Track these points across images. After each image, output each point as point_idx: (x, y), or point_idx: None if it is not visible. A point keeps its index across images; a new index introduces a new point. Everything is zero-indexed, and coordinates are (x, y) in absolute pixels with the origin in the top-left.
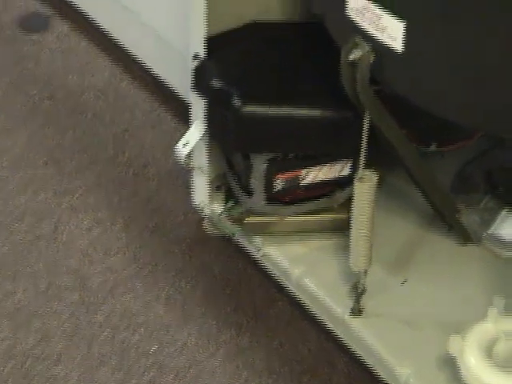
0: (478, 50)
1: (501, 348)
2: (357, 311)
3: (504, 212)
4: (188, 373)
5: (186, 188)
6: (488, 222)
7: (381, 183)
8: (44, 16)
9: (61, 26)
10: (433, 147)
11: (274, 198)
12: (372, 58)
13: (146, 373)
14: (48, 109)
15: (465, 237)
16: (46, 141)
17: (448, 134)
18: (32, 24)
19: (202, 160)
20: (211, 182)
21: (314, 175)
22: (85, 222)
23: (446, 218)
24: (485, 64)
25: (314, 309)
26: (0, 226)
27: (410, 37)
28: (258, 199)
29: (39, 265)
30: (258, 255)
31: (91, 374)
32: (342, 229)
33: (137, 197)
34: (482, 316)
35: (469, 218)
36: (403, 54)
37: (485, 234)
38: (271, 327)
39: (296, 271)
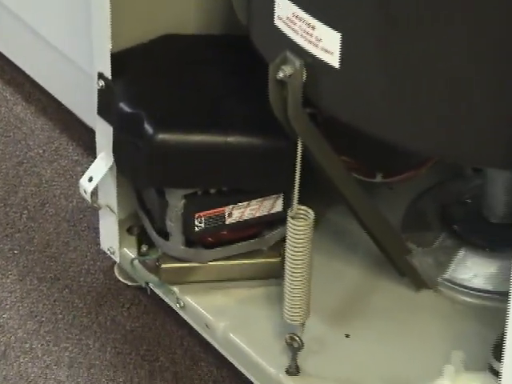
0: (429, 65)
1: None
2: (293, 370)
3: (462, 252)
4: None
5: (92, 231)
6: (444, 265)
7: (319, 221)
8: None
9: None
10: (378, 178)
11: (194, 241)
12: (305, 76)
13: None
14: None
15: (417, 282)
16: None
17: (395, 163)
18: None
19: (110, 197)
20: (121, 223)
21: (240, 213)
22: None
23: (396, 260)
24: (436, 86)
25: (243, 369)
26: None
27: (348, 50)
28: (176, 242)
29: None
30: (177, 308)
31: None
32: (273, 275)
33: (32, 243)
34: (437, 374)
35: (422, 261)
36: (341, 70)
37: (440, 279)
38: None
39: (221, 325)
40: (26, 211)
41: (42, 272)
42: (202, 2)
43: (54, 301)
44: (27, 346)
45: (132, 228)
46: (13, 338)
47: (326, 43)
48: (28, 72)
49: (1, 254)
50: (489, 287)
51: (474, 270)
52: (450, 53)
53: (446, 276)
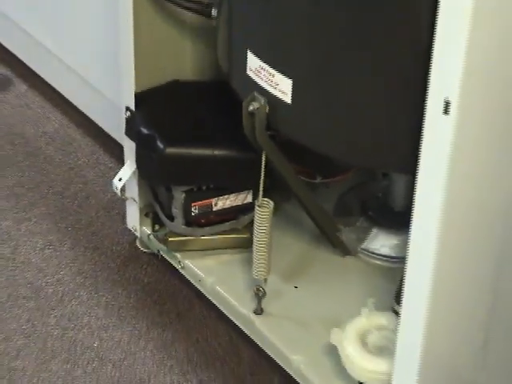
0: (348, 102)
1: (372, 338)
2: (259, 311)
3: (374, 231)
4: (123, 363)
5: (121, 215)
6: (362, 239)
7: (277, 209)
8: (6, 78)
9: (20, 86)
10: (318, 180)
11: (191, 222)
12: (267, 109)
13: (89, 364)
14: (8, 153)
15: (344, 251)
16: (6, 180)
17: (330, 168)
18: None
19: (133, 192)
20: (141, 210)
21: (223, 203)
22: (39, 244)
23: (330, 236)
24: (353, 115)
25: (225, 310)
26: None
27: (297, 91)
28: (178, 223)
29: (1, 279)
30: (179, 268)
31: (45, 365)
32: (246, 246)
33: (80, 223)
34: (357, 313)
35: (347, 236)
36: (292, 105)
37: (360, 249)
38: (190, 326)
39: (209, 280)
40: (76, 201)
41: (86, 243)
42: (197, 59)
43: (95, 263)
44: (76, 293)
45: (148, 213)
46: (67, 288)
47: (282, 86)
48: (78, 106)
49: (59, 230)
50: (392, 254)
51: (382, 242)
52: (361, 93)
53: (363, 247)
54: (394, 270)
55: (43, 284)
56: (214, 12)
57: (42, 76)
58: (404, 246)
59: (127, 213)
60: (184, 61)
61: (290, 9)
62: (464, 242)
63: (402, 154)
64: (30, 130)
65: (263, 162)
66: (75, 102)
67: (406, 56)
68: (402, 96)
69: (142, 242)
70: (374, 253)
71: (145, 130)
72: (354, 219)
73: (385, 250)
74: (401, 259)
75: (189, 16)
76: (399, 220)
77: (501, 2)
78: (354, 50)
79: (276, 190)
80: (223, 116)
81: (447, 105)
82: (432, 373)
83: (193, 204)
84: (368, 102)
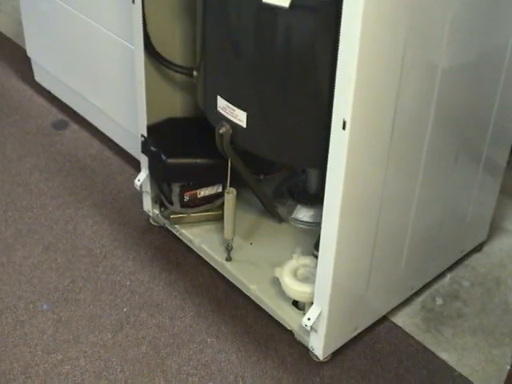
0: (280, 125)
1: (300, 272)
2: (228, 259)
3: (298, 206)
4: (145, 294)
5: (140, 203)
6: (291, 212)
7: (237, 195)
8: (63, 121)
9: (74, 126)
10: (262, 176)
11: (184, 205)
12: (231, 131)
13: (124, 295)
14: (68, 168)
15: (280, 220)
16: (68, 184)
17: (268, 168)
18: (58, 125)
19: (147, 187)
20: (152, 199)
21: (204, 192)
22: (89, 223)
23: (271, 211)
24: (284, 133)
25: (207, 259)
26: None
27: (249, 120)
28: (177, 206)
29: (66, 246)
30: (178, 234)
31: (97, 297)
32: (219, 219)
33: (115, 209)
34: (290, 257)
35: (281, 210)
36: (246, 128)
37: (290, 218)
38: (186, 270)
39: (197, 241)
40: (111, 195)
41: (119, 221)
42: (185, 103)
43: (125, 233)
44: (114, 252)
45: (157, 200)
46: (107, 249)
47: (240, 117)
48: (110, 136)
49: (102, 214)
50: (311, 221)
51: (304, 213)
52: (289, 120)
53: (292, 216)
54: (312, 231)
55: (93, 247)
56: (194, 73)
57: (87, 118)
58: (318, 215)
59: (144, 201)
60: (176, 104)
61: (242, 73)
62: (355, 212)
63: (316, 155)
64: (80, 153)
65: (229, 165)
66: (108, 134)
67: (318, 95)
68: (317, 119)
69: (153, 219)
70: (299, 220)
71: (153, 149)
72: (285, 200)
73: (306, 218)
74: (316, 224)
75: (178, 75)
76: (314, 199)
77: (377, 62)
78: (283, 94)
79: (238, 182)
80: (202, 138)
81: (344, 123)
82: (337, 293)
83: (185, 193)
84: (294, 124)
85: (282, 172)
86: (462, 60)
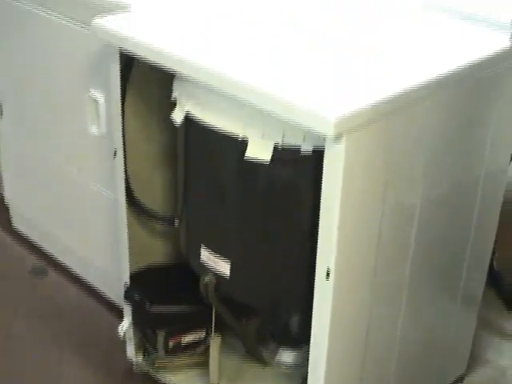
0: (265, 273)
1: None
2: None
3: (281, 349)
4: None
5: (124, 349)
6: (274, 354)
7: (222, 338)
8: (43, 267)
9: (53, 272)
10: (244, 320)
11: (169, 352)
12: (214, 281)
13: None
14: (49, 315)
15: (265, 363)
16: (49, 330)
17: (251, 311)
18: (37, 271)
19: (130, 335)
20: (136, 346)
21: (188, 338)
22: (71, 370)
23: (255, 354)
24: (264, 285)
25: None
26: None
27: (232, 271)
28: (161, 353)
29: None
30: (163, 380)
31: None
32: (205, 364)
33: (100, 354)
34: None
35: (265, 353)
36: (230, 278)
37: (274, 360)
38: None
39: None
40: (96, 342)
41: (102, 365)
42: (165, 253)
43: (109, 378)
44: None
45: (140, 348)
46: None
47: (223, 267)
48: (92, 283)
49: (88, 358)
50: (295, 363)
51: (287, 356)
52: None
53: (276, 359)
54: (296, 374)
55: None
56: (176, 222)
57: (67, 264)
58: (301, 357)
59: (127, 348)
60: (159, 251)
61: (225, 223)
62: (341, 356)
63: (300, 301)
64: (60, 299)
65: (214, 312)
66: (89, 280)
67: (302, 242)
68: (300, 266)
69: (137, 366)
70: (282, 363)
71: (137, 296)
72: (268, 342)
73: (289, 360)
74: (300, 366)
75: (158, 226)
76: (297, 341)
77: (359, 210)
78: (267, 244)
79: (220, 325)
80: (186, 284)
81: (328, 273)
82: None
83: (169, 340)
84: (277, 272)
85: (264, 314)
86: (438, 194)
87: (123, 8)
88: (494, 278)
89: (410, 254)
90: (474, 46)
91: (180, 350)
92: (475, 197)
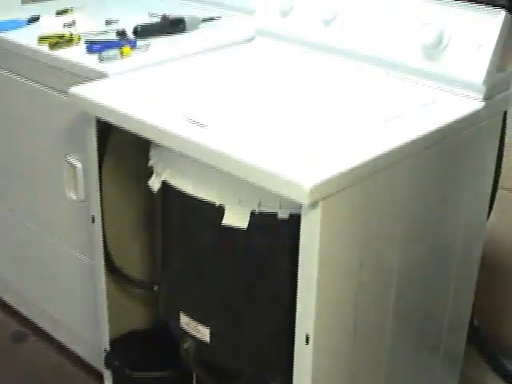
0: (245, 337)
1: None
2: None
3: None
4: None
5: None
6: None
7: None
8: (22, 332)
9: (32, 338)
10: None
11: None
12: (195, 346)
13: None
14: (28, 382)
15: None
16: None
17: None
18: (16, 337)
19: None
20: None
21: None
22: None
23: None
24: (245, 345)
25: None
26: None
27: (212, 337)
28: None
29: None
30: None
31: None
32: None
33: None
34: None
35: None
36: (210, 343)
37: None
38: None
39: None
40: None
41: None
42: (146, 319)
43: None
44: None
45: None
46: None
47: (203, 333)
48: (72, 348)
49: None
50: None
51: None
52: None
53: None
54: None
55: None
56: (155, 288)
57: (46, 329)
58: None
59: None
60: (138, 316)
61: (204, 290)
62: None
63: (280, 365)
64: (40, 365)
65: (195, 377)
66: (68, 345)
67: (281, 308)
68: (279, 331)
69: None
70: None
71: (117, 363)
72: None
73: None
74: None
75: (137, 291)
76: None
77: (336, 276)
78: (246, 309)
79: None
80: (166, 349)
81: (307, 338)
82: None
83: None
84: (256, 336)
85: (246, 379)
86: (417, 256)
87: (100, 76)
88: (474, 334)
89: (390, 316)
90: (447, 108)
91: None
92: (453, 257)
